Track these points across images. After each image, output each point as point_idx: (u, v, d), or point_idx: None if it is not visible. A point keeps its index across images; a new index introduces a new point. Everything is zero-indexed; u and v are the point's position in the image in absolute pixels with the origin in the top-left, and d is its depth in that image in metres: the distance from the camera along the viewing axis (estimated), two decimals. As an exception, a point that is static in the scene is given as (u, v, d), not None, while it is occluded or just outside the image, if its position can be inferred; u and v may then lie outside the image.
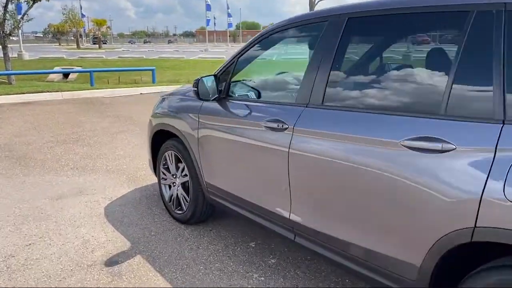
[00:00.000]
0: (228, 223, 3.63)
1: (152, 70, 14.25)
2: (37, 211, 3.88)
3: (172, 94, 3.73)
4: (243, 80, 3.16)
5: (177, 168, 3.56)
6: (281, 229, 2.53)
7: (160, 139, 3.80)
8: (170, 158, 3.60)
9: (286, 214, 2.46)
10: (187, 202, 3.48)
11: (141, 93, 12.15)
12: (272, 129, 2.47)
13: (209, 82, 2.90)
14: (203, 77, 2.96)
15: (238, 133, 2.75)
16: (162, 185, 3.81)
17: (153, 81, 13.94)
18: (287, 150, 2.35)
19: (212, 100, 2.95)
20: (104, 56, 29.98)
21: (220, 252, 3.13)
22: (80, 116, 8.48)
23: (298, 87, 2.52)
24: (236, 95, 3.03)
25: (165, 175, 3.74)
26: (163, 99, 3.80)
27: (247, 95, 3.05)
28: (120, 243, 3.29)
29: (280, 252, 3.14)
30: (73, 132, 7.08)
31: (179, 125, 3.34)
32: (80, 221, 3.68)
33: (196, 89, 3.00)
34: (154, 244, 3.26)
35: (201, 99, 3.03)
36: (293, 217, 2.42)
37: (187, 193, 3.48)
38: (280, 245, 3.22)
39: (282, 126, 2.40)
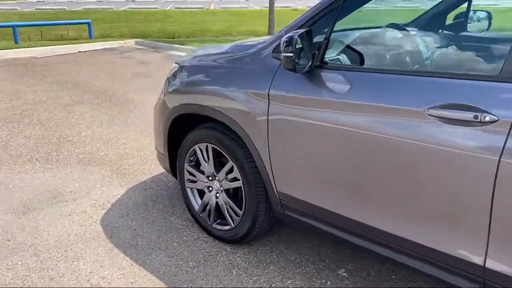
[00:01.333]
0: (287, 236, 2.66)
1: (88, 23, 12.28)
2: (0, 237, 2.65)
3: (202, 59, 2.57)
4: (353, 38, 2.11)
5: (218, 167, 2.49)
6: (461, 279, 1.62)
7: (180, 126, 2.67)
8: (205, 153, 2.51)
9: (477, 259, 1.54)
10: (237, 215, 2.44)
11: (79, 51, 10.36)
12: (453, 121, 1.50)
13: (300, 41, 1.82)
14: (288, 30, 1.88)
15: (363, 126, 1.74)
16: (188, 189, 2.72)
17: (90, 37, 12.04)
18: (494, 159, 1.41)
19: (304, 70, 1.88)
20: (18, 8, 26.20)
21: (304, 289, 2.19)
22: (14, 84, 6.80)
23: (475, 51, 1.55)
24: (343, 63, 1.99)
25: (193, 176, 2.65)
26: (183, 68, 2.64)
27: (369, 63, 2.03)
28: (150, 284, 2.22)
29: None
30: (13, 106, 5.54)
31: (227, 106, 2.25)
32: (73, 249, 2.52)
33: (271, 51, 1.93)
34: (203, 283, 2.23)
35: (265, 72, 1.98)
36: (490, 264, 1.51)
37: (237, 203, 2.44)
38: (388, 272, 2.34)
39: (481, 117, 1.44)
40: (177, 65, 2.72)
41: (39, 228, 2.75)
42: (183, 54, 9.89)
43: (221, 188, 2.50)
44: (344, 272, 2.31)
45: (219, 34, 13.46)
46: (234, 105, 2.21)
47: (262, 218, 2.34)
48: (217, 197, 2.54)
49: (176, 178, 2.85)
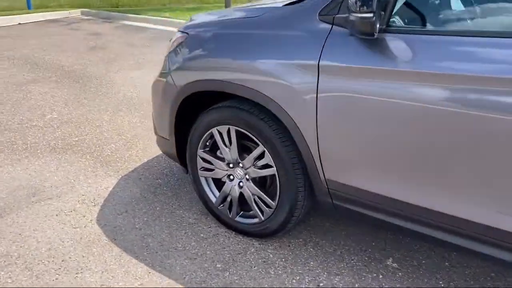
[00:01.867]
0: (317, 225, 2.39)
1: (25, -9, 11.08)
2: (-21, 249, 2.18)
3: (219, 25, 2.17)
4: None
5: (242, 153, 2.15)
6: None
7: (188, 107, 2.29)
8: (226, 137, 2.16)
9: None
10: (268, 207, 2.13)
11: (19, 23, 9.33)
12: None
13: None
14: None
15: (441, 101, 1.47)
16: (202, 179, 2.36)
17: (29, 7, 10.90)
18: None
19: (376, 35, 1.55)
20: None
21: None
22: (-50, 61, 5.94)
23: None
24: (413, 25, 1.70)
25: (209, 163, 2.29)
26: (194, 38, 2.23)
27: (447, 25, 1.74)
28: (178, 296, 1.89)
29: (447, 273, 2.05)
30: (-45, 87, 4.81)
31: (261, 81, 1.90)
32: (72, 258, 2.12)
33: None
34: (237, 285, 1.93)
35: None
36: None
37: (268, 192, 2.13)
38: (440, 258, 2.13)
39: None
40: (182, 35, 2.30)
41: (24, 234, 2.30)
42: (140, 24, 9.19)
43: (247, 176, 2.17)
44: (393, 262, 2.09)
45: (167, 3, 12.69)
46: (270, 80, 1.86)
47: (300, 209, 2.05)
48: (240, 187, 2.21)
49: (185, 167, 2.48)
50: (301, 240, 2.26)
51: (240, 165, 2.17)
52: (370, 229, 2.31)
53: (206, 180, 2.37)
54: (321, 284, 1.95)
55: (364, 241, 2.24)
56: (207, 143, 2.28)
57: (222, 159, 2.24)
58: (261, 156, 2.06)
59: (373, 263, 2.08)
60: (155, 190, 2.76)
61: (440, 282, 1.95)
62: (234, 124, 2.08)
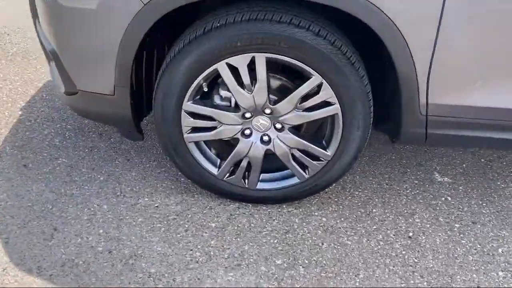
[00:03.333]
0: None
1: None
2: None
3: None
4: None
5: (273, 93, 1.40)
6: None
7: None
8: (245, 72, 1.34)
9: None
10: (316, 159, 1.50)
11: None
12: None
13: None
14: None
15: None
16: (191, 145, 1.50)
17: None
18: None
19: None
20: None
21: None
22: None
23: None
24: None
25: (208, 119, 1.45)
26: None
27: None
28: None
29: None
30: None
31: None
32: None
33: None
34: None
35: None
36: None
37: (315, 141, 1.49)
38: (483, 166, 1.94)
39: None
40: None
41: None
42: None
43: (279, 125, 1.45)
44: (442, 177, 1.81)
45: None
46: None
47: (363, 150, 1.50)
48: (265, 142, 1.48)
49: (140, 132, 1.54)
50: (340, 192, 1.73)
51: (267, 111, 1.42)
52: (382, 158, 1.94)
53: (198, 146, 1.52)
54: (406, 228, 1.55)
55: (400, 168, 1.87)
56: (200, 89, 1.40)
57: (234, 109, 1.42)
58: (314, 93, 1.36)
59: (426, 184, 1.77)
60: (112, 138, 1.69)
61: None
62: (264, 48, 1.28)
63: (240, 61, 1.32)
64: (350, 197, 1.68)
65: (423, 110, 1.39)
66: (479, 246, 1.49)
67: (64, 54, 1.46)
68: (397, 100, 1.39)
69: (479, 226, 1.58)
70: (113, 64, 1.34)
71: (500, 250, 1.48)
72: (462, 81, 1.36)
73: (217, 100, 1.46)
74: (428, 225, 1.57)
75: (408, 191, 1.73)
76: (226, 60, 1.32)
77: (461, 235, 1.54)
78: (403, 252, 1.46)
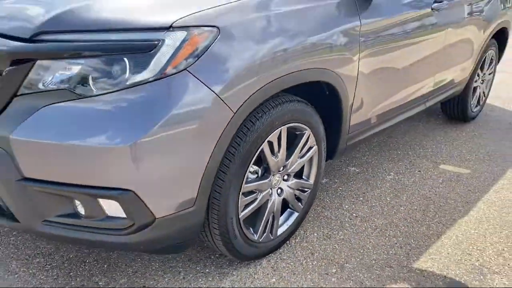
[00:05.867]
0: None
1: None
2: None
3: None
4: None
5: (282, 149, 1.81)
6: None
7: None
8: (276, 143, 1.71)
9: None
10: (304, 191, 2.00)
11: None
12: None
13: None
14: None
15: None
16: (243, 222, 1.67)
17: None
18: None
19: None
20: None
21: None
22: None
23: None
24: None
25: (252, 193, 1.71)
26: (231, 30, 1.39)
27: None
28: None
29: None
30: None
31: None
32: None
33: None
34: None
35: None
36: None
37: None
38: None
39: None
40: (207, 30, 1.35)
41: None
42: None
43: (285, 177, 1.87)
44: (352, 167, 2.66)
45: None
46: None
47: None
48: (281, 194, 1.87)
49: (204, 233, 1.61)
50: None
51: (281, 169, 1.82)
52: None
53: (243, 222, 1.72)
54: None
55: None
56: (252, 168, 1.65)
57: (266, 175, 1.75)
58: (305, 143, 1.88)
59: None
60: None
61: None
62: (287, 121, 1.71)
63: (274, 136, 1.67)
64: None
65: (347, 130, 2.13)
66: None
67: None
68: (338, 127, 2.06)
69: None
70: (199, 174, 1.42)
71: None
72: (366, 107, 2.18)
73: (249, 175, 1.70)
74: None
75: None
76: (267, 138, 1.64)
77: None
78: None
